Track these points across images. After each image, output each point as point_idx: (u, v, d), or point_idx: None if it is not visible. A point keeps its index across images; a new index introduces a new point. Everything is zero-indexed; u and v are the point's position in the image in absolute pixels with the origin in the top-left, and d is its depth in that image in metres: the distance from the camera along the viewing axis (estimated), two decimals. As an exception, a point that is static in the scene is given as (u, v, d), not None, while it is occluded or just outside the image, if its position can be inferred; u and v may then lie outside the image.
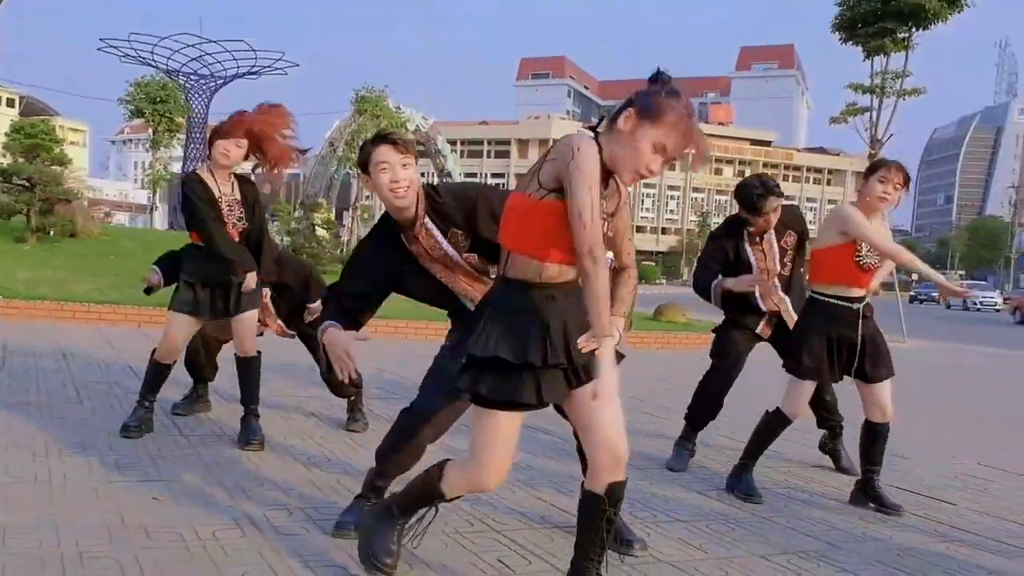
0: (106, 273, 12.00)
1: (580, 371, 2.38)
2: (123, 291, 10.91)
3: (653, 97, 2.34)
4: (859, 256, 4.14)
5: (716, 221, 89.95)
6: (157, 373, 4.62)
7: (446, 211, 3.03)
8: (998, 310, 41.63)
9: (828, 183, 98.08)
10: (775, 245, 4.82)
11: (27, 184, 13.74)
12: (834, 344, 4.17)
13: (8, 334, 8.04)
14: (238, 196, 4.57)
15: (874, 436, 4.25)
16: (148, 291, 4.92)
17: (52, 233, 14.03)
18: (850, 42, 18.09)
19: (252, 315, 4.65)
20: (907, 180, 4.24)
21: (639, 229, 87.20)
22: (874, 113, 18.35)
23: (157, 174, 47.48)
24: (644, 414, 6.38)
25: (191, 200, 4.42)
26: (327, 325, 2.96)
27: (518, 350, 2.31)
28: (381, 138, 3.02)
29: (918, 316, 29.35)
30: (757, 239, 4.80)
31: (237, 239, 4.53)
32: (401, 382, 7.02)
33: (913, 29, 17.41)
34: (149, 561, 2.72)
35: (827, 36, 18.70)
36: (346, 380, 2.90)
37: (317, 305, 5.07)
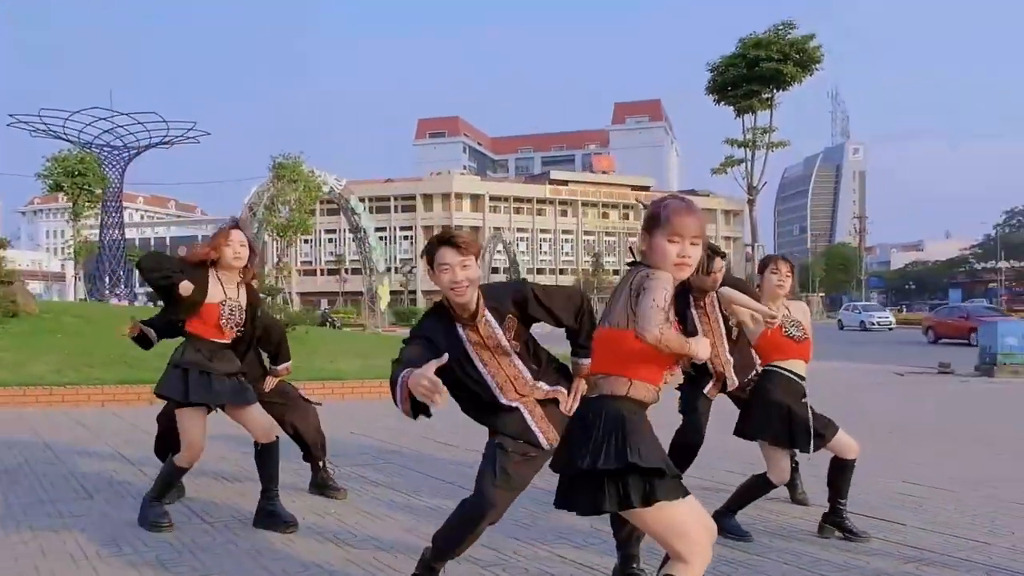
0: (55, 351, 11.49)
1: None
2: (80, 370, 10.50)
3: (647, 213, 2.54)
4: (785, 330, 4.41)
5: (609, 260, 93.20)
6: (176, 475, 4.42)
7: (499, 298, 3.15)
8: (891, 328, 40.96)
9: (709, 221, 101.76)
10: (718, 309, 4.89)
11: None
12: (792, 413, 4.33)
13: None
14: (242, 303, 4.41)
15: (842, 469, 4.43)
16: (139, 339, 4.71)
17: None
18: (722, 103, 19.40)
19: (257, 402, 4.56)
20: (792, 268, 4.53)
21: (539, 271, 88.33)
22: (748, 164, 19.62)
23: (79, 245, 45.63)
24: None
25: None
26: (405, 374, 2.74)
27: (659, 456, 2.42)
28: (444, 240, 3.06)
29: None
30: (701, 303, 4.86)
31: (228, 341, 4.40)
32: (379, 445, 6.97)
33: (775, 90, 18.88)
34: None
35: (688, 92, 20.07)
36: (438, 404, 2.70)
37: (283, 367, 5.04)
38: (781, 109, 20.28)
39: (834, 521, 4.43)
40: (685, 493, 2.42)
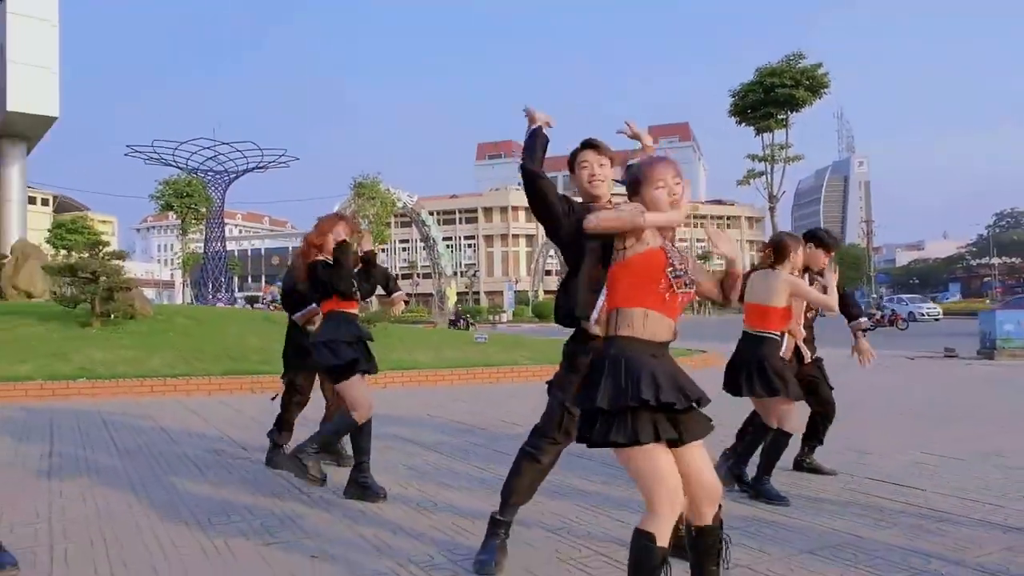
0: (168, 348, 11.70)
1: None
2: (190, 363, 10.66)
3: (628, 180, 2.49)
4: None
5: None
6: (365, 431, 4.31)
7: None
8: (938, 319, 37.32)
9: (728, 226, 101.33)
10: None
11: (91, 276, 13.45)
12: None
13: (103, 412, 7.80)
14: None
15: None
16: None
17: (113, 317, 13.68)
18: (743, 123, 19.40)
19: None
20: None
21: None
22: (768, 176, 19.62)
23: (187, 256, 46.81)
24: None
25: (321, 275, 4.30)
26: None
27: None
28: (586, 143, 3.24)
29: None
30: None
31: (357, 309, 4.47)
32: (452, 425, 6.90)
33: (789, 112, 18.90)
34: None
35: (710, 115, 20.22)
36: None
37: (399, 294, 4.99)
38: (795, 127, 20.33)
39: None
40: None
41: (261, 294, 70.17)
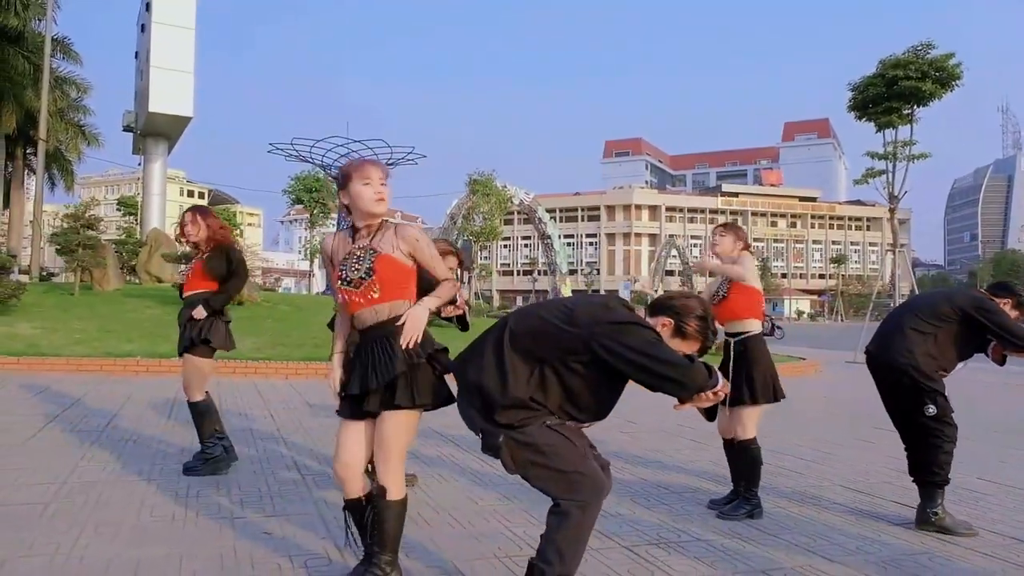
0: (261, 333, 12.44)
1: None
2: (277, 348, 11.31)
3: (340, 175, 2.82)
4: None
5: (777, 264, 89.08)
6: None
7: None
8: None
9: (868, 229, 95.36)
10: None
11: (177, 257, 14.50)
12: None
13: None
14: None
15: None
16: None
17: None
18: (864, 119, 18.13)
19: None
20: (724, 229, 4.48)
21: (712, 274, 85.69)
22: (889, 175, 18.24)
23: (314, 247, 49.29)
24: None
25: None
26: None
27: None
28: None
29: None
30: None
31: None
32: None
33: (914, 106, 17.49)
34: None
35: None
36: None
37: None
38: (935, 115, 18.77)
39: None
40: None
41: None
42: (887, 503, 4.42)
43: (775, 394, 4.13)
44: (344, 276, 2.72)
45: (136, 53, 30.68)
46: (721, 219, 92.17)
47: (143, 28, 27.36)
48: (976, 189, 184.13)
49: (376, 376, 2.63)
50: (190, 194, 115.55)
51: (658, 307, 2.68)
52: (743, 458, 4.11)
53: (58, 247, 15.91)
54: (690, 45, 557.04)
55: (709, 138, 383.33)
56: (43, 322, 12.16)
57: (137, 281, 19.07)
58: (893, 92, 17.53)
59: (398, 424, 2.65)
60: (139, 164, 32.39)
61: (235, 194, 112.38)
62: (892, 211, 18.68)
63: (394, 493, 2.66)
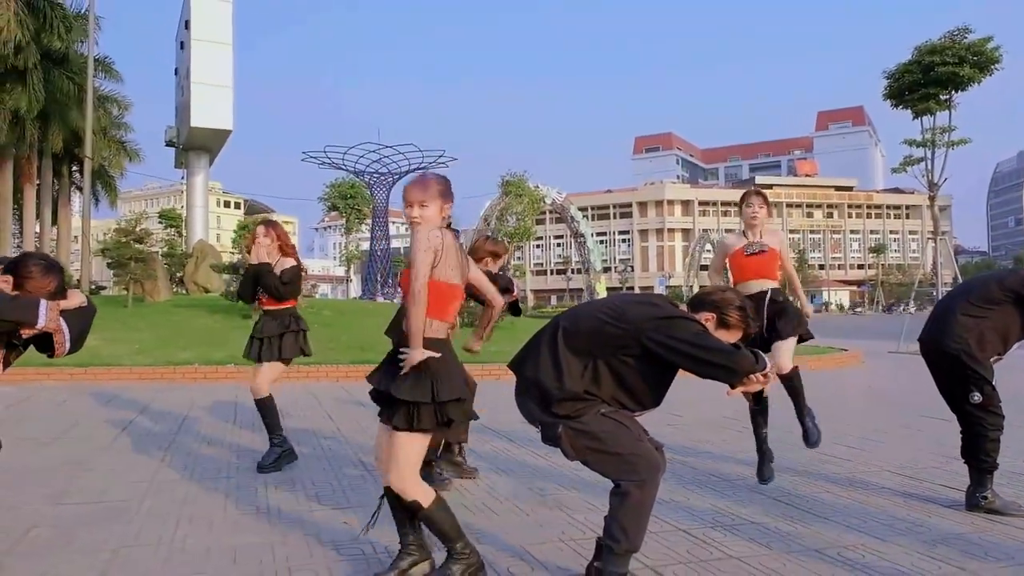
0: (312, 339, 12.76)
1: None
2: (325, 353, 11.62)
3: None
4: None
5: (814, 255, 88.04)
6: None
7: None
8: None
9: (907, 217, 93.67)
10: None
11: (226, 268, 14.94)
12: None
13: (240, 392, 8.75)
14: None
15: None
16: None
17: (271, 309, 15.06)
18: (900, 107, 17.94)
19: None
20: (764, 200, 4.79)
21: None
22: (928, 162, 18.03)
23: (350, 252, 49.98)
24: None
25: None
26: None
27: None
28: None
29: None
30: None
31: None
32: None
33: (952, 92, 17.24)
34: (340, 571, 3.01)
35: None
36: None
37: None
38: (980, 98, 18.56)
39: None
40: None
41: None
42: (936, 487, 4.53)
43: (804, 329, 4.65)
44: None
45: (176, 70, 31.67)
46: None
47: (182, 45, 28.31)
48: (1020, 172, 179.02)
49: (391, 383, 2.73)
50: (227, 204, 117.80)
51: (698, 303, 2.88)
52: (792, 386, 4.61)
53: (110, 261, 16.50)
54: (719, 37, 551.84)
55: (741, 130, 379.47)
56: (102, 333, 12.62)
57: (185, 292, 19.65)
58: (930, 78, 17.34)
59: (401, 442, 2.74)
60: (182, 178, 33.25)
61: (271, 203, 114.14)
62: (932, 199, 18.50)
63: (423, 502, 2.77)
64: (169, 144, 32.08)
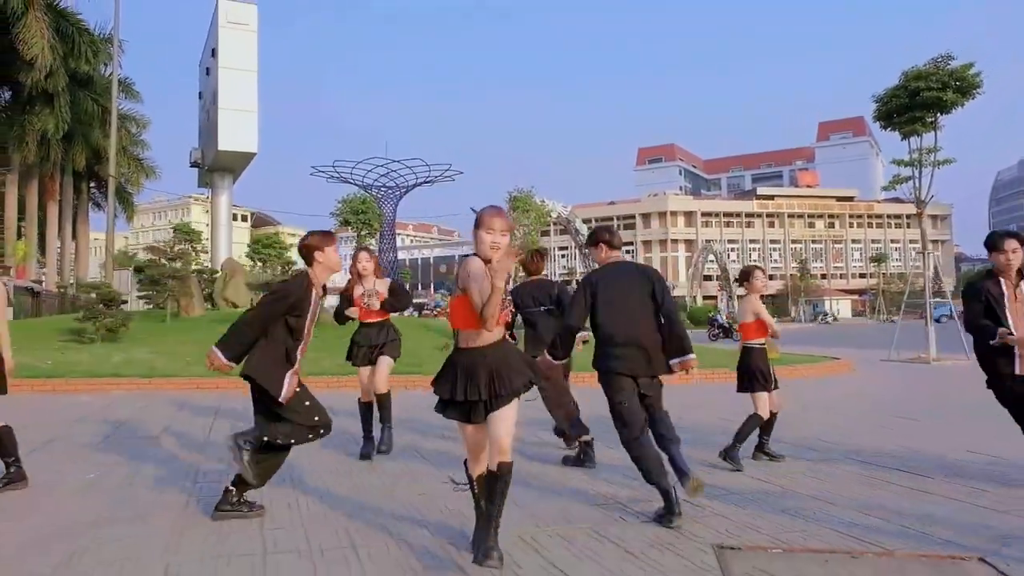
0: (341, 351, 13.88)
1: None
2: (346, 364, 12.74)
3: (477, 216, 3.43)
4: None
5: (816, 265, 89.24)
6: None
7: None
8: None
9: (908, 226, 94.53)
10: None
11: (261, 286, 16.10)
12: None
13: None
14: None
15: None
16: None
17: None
18: (889, 128, 19.10)
19: None
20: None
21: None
22: (916, 180, 19.23)
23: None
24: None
25: None
26: None
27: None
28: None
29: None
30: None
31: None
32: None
33: (937, 115, 18.39)
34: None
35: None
36: None
37: None
38: (979, 107, 19.80)
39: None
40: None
41: (426, 301, 74.37)
42: (892, 471, 5.64)
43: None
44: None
45: (200, 93, 33.01)
46: (757, 223, 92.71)
47: (208, 71, 29.69)
48: (1021, 181, 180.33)
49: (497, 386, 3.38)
50: (234, 217, 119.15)
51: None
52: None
53: (150, 278, 17.69)
54: (720, 47, 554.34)
55: (743, 141, 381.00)
56: (152, 347, 13.82)
57: (215, 307, 20.81)
58: (916, 102, 18.41)
59: (511, 414, 3.41)
60: (207, 194, 34.24)
61: (279, 217, 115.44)
62: (920, 215, 19.65)
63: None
64: (194, 165, 33.40)
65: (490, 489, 3.42)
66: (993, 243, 4.71)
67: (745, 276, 6.06)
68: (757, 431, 5.89)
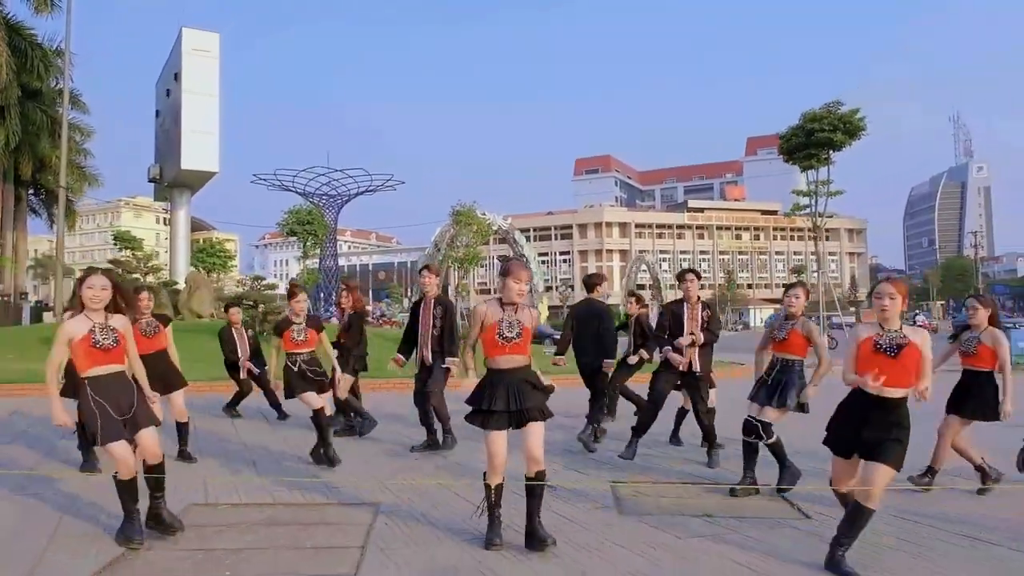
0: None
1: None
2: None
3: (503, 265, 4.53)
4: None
5: (742, 276, 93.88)
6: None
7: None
8: None
9: (827, 239, 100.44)
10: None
11: (253, 303, 17.78)
12: None
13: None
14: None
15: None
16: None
17: (265, 333, 17.89)
18: (791, 162, 22.07)
19: None
20: (804, 290, 5.91)
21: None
22: (813, 209, 22.29)
23: (308, 276, 52.16)
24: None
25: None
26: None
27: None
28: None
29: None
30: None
31: None
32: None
33: (829, 152, 21.48)
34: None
35: None
36: None
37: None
38: (889, 126, 23.01)
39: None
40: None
41: (370, 309, 75.60)
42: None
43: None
44: (502, 333, 4.29)
45: (157, 112, 34.13)
46: (688, 234, 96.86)
47: (168, 93, 30.96)
48: (932, 196, 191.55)
49: (521, 400, 4.26)
50: (166, 222, 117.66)
51: None
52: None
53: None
54: (657, 60, 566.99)
55: (677, 152, 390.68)
56: (138, 355, 15.35)
57: (181, 318, 22.17)
58: (811, 141, 21.46)
59: (540, 431, 4.33)
60: (141, 197, 34.75)
61: (211, 221, 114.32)
62: (815, 239, 22.60)
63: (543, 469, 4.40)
64: (152, 180, 34.43)
65: (530, 491, 4.33)
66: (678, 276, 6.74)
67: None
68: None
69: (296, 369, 6.74)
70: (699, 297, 6.64)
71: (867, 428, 4.04)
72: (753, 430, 5.71)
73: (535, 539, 4.32)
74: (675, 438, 8.10)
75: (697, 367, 6.62)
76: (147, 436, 4.54)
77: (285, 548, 4.42)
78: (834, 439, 4.29)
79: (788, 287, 5.94)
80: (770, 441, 5.69)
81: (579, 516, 5.10)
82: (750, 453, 5.78)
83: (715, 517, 5.11)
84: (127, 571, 4.08)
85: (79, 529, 4.79)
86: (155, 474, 4.60)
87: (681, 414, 8.18)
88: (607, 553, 4.37)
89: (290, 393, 6.76)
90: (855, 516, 4.05)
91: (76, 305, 4.51)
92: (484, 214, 53.42)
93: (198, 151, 28.45)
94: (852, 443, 4.15)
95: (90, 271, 4.75)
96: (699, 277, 6.70)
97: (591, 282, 8.10)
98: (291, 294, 7.14)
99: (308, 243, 48.39)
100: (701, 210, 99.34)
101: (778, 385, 5.73)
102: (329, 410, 6.95)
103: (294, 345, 6.82)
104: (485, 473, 4.41)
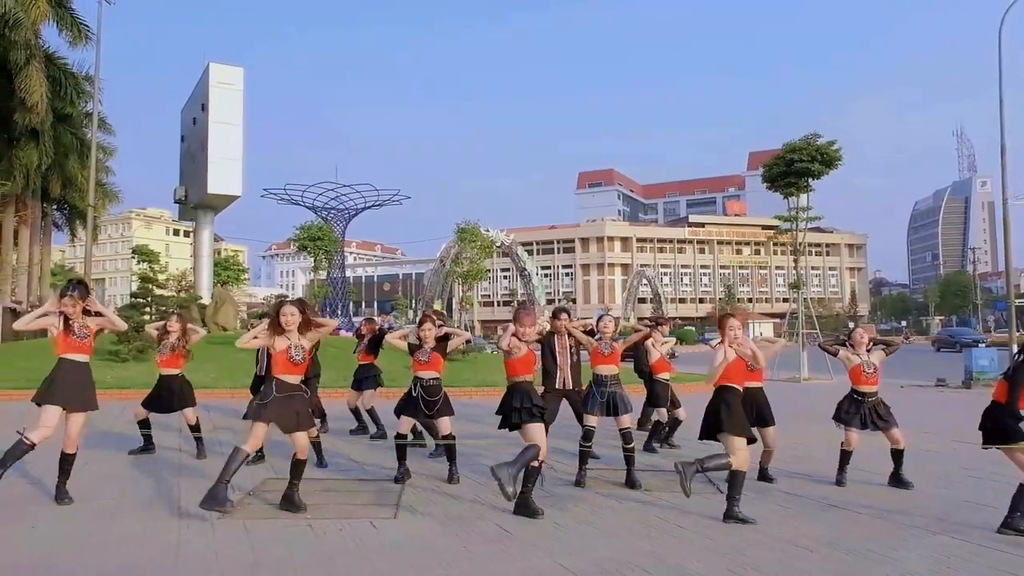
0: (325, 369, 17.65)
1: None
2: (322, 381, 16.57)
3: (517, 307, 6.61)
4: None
5: (742, 290, 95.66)
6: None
7: None
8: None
9: (827, 254, 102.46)
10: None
11: (260, 316, 19.79)
12: None
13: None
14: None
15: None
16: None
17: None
18: (773, 190, 24.04)
19: None
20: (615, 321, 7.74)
21: (680, 301, 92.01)
22: (794, 233, 24.20)
23: (319, 290, 54.26)
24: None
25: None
26: None
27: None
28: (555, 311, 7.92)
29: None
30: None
31: None
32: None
33: (808, 180, 23.40)
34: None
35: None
36: None
37: None
38: (892, 139, 24.95)
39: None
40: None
41: (379, 322, 77.50)
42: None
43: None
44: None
45: (183, 137, 36.51)
46: (689, 249, 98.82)
47: (194, 121, 33.31)
48: (936, 210, 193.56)
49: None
50: (175, 232, 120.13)
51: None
52: None
53: (158, 307, 21.09)
54: (661, 71, 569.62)
55: (680, 168, 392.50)
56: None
57: (208, 331, 24.19)
58: (791, 170, 23.36)
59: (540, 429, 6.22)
60: (153, 209, 36.60)
61: (220, 232, 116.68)
62: (796, 262, 24.50)
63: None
64: (178, 202, 36.70)
65: (528, 474, 6.06)
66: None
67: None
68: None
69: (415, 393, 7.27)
70: (567, 330, 7.81)
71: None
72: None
73: (527, 508, 5.99)
74: (650, 446, 9.57)
75: (570, 383, 7.91)
76: (301, 436, 5.92)
77: (342, 505, 6.37)
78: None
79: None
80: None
81: (560, 492, 7.06)
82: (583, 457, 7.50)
83: (651, 491, 7.05)
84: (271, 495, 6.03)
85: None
86: (299, 467, 6.05)
87: (656, 426, 9.77)
88: (575, 512, 6.30)
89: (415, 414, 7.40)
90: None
91: (271, 325, 5.71)
92: (487, 230, 55.79)
93: (223, 176, 30.74)
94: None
95: (282, 301, 5.95)
96: (569, 316, 8.06)
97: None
98: (420, 322, 7.45)
99: (319, 257, 50.56)
100: (702, 225, 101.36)
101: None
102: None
103: (419, 366, 7.24)
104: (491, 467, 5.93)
